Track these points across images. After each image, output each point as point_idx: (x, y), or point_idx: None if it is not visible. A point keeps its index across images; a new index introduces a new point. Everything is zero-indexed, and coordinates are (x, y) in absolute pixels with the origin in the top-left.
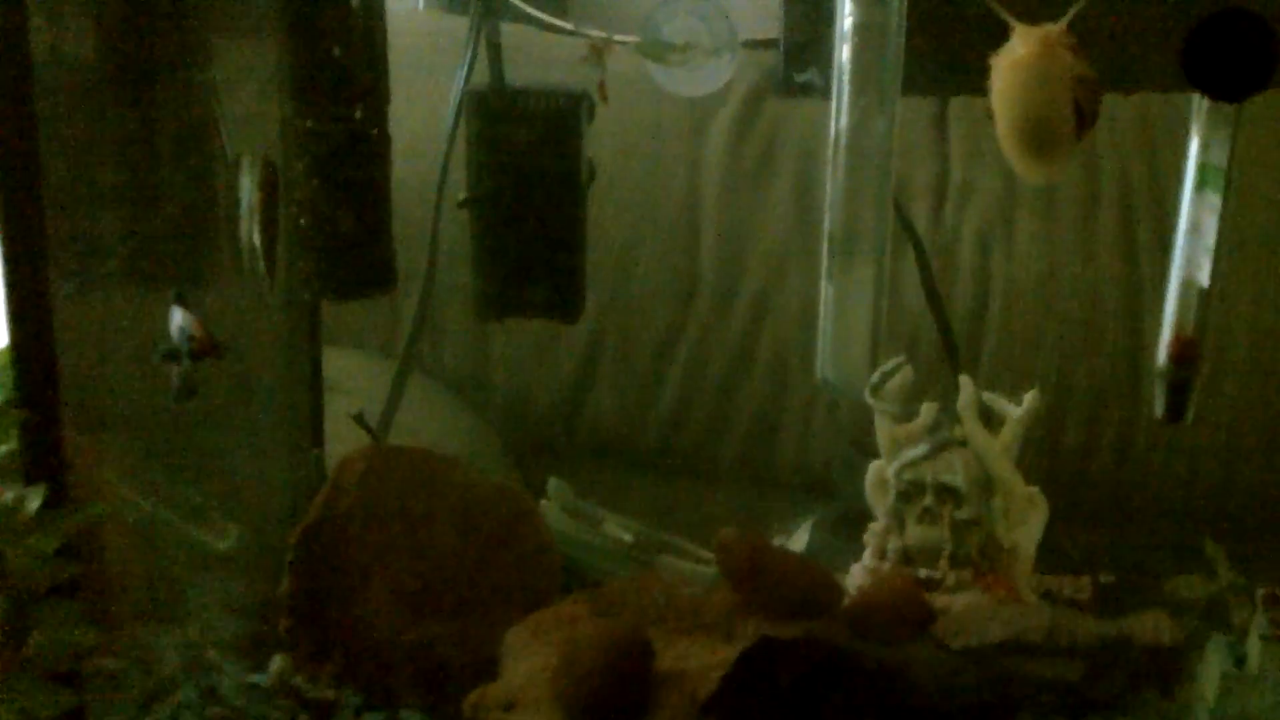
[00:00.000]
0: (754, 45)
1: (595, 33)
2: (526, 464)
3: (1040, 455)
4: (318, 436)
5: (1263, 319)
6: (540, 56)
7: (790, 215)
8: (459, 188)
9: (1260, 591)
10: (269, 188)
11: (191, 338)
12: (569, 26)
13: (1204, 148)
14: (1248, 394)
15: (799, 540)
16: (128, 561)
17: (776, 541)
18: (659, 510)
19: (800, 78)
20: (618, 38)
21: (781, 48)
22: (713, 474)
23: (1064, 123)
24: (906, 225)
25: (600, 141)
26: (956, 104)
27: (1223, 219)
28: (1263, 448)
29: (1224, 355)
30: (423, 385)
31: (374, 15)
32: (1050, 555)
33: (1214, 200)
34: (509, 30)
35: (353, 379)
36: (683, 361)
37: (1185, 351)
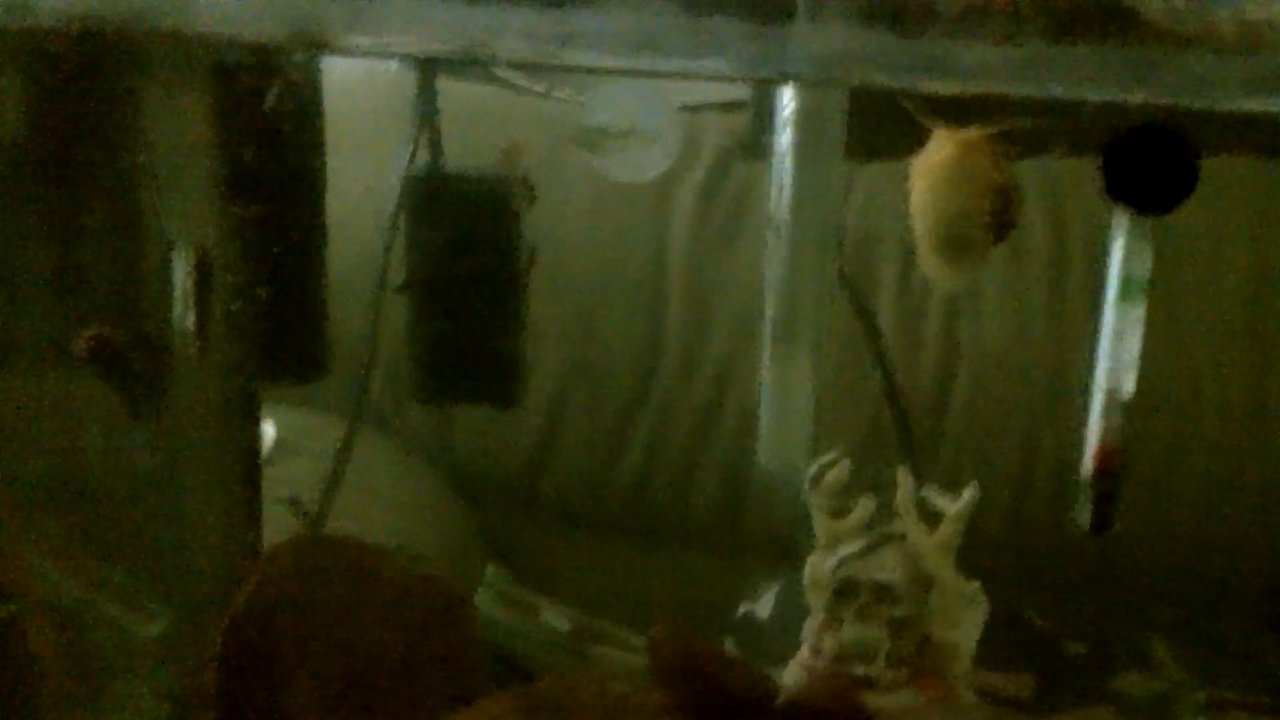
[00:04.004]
0: (723, 107)
1: (567, 95)
2: (489, 527)
3: (1008, 523)
4: (253, 520)
5: (1231, 392)
6: (514, 119)
7: (758, 280)
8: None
9: (1202, 695)
10: (201, 272)
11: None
12: (541, 89)
13: (1126, 260)
14: (1216, 467)
15: (765, 606)
16: (48, 648)
17: (743, 607)
18: (621, 574)
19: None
20: (581, 99)
21: (751, 109)
22: (678, 539)
23: (978, 230)
24: (861, 311)
25: (566, 203)
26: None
27: (1147, 330)
28: (1231, 518)
29: (1193, 429)
30: (384, 446)
31: (309, 105)
32: (1015, 626)
33: (1137, 313)
34: (482, 92)
35: (312, 441)
36: (648, 425)
37: (1110, 463)
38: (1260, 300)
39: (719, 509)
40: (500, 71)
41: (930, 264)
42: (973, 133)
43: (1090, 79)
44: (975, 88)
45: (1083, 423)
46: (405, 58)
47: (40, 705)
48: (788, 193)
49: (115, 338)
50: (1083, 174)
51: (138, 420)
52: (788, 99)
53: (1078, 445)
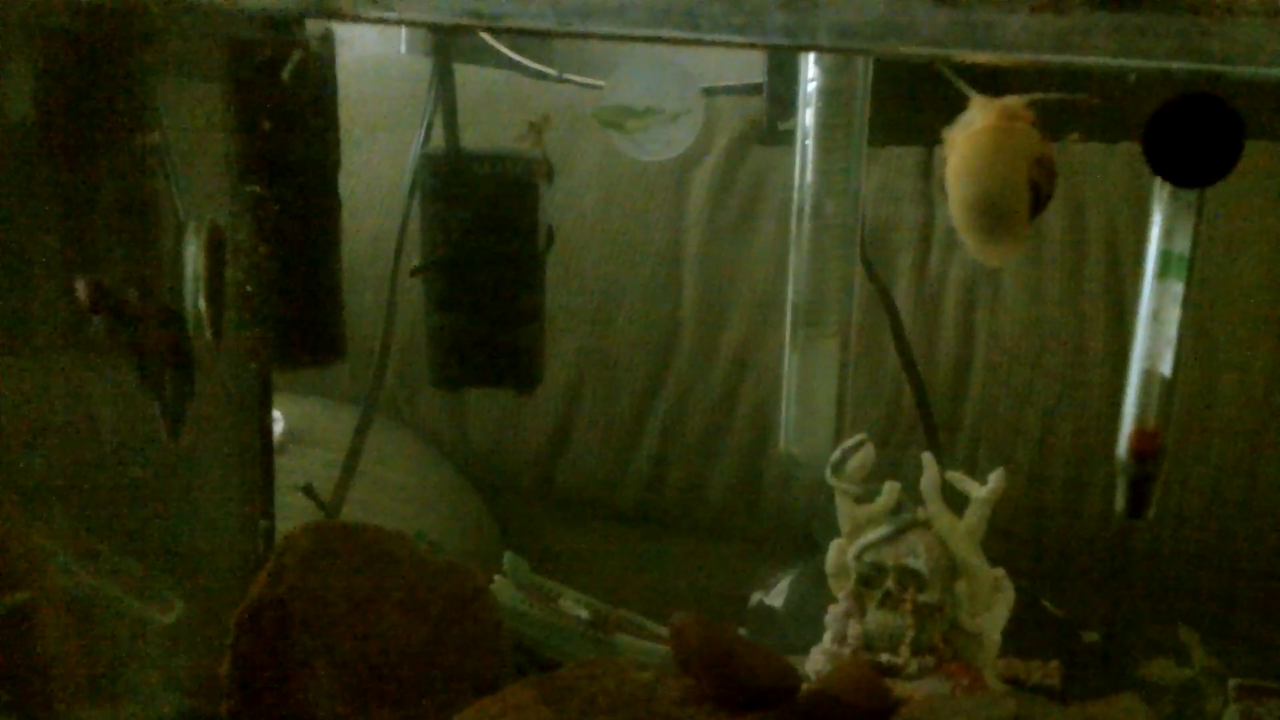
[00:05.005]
0: (738, 92)
1: (580, 79)
2: (504, 517)
3: (1025, 513)
4: (267, 507)
5: (1249, 379)
6: (525, 103)
7: (774, 266)
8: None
9: (1233, 682)
10: (215, 253)
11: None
12: (553, 73)
13: (1166, 234)
14: (1232, 453)
15: (779, 595)
16: (64, 637)
17: (756, 596)
18: (636, 563)
19: (785, 125)
20: (594, 82)
21: (765, 94)
22: (693, 527)
23: (1019, 201)
24: (881, 290)
25: (582, 190)
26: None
27: (1186, 307)
28: (1247, 506)
29: (1210, 415)
30: (399, 437)
31: (325, 80)
32: (1034, 614)
33: (1176, 288)
34: (494, 77)
35: (323, 430)
36: (663, 413)
37: (1147, 446)
38: None
39: (734, 497)
40: (511, 55)
41: (968, 237)
42: (1013, 101)
43: (1134, 48)
44: (1016, 58)
45: (1117, 404)
46: (421, 25)
47: (53, 692)
48: (810, 177)
49: (115, 287)
50: (1101, 159)
51: (151, 393)
52: (809, 80)
53: (1096, 431)
